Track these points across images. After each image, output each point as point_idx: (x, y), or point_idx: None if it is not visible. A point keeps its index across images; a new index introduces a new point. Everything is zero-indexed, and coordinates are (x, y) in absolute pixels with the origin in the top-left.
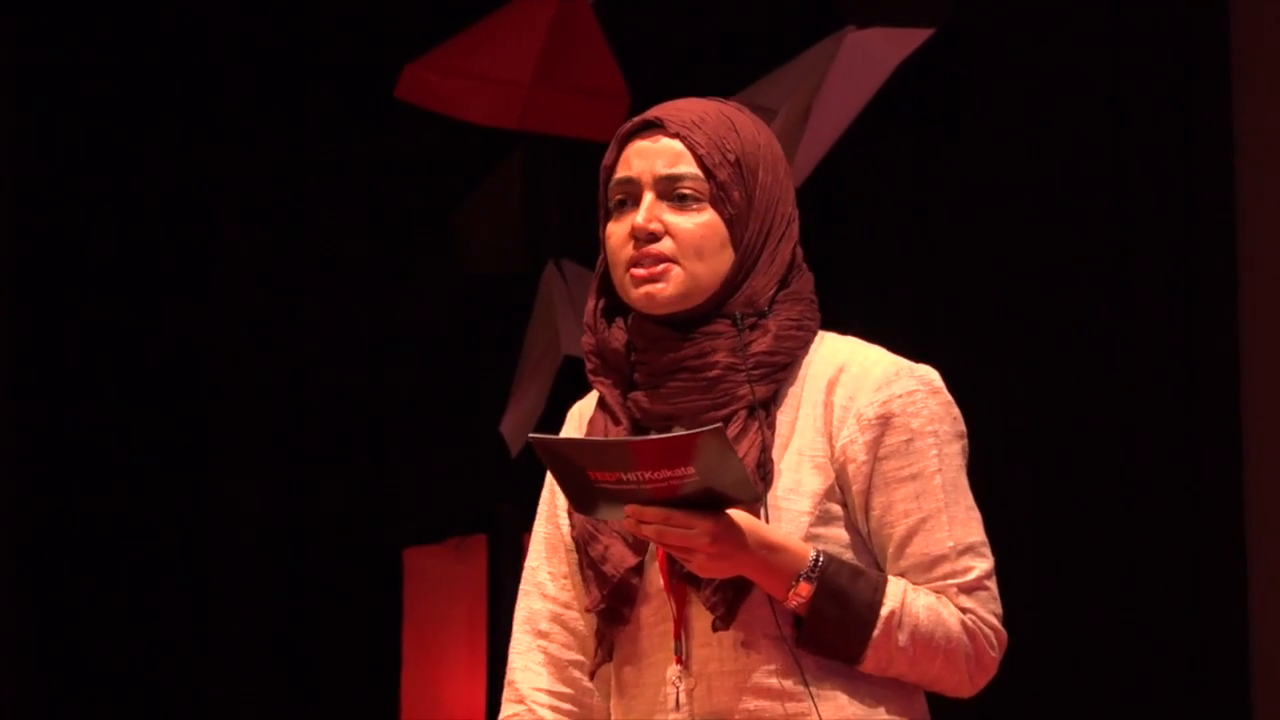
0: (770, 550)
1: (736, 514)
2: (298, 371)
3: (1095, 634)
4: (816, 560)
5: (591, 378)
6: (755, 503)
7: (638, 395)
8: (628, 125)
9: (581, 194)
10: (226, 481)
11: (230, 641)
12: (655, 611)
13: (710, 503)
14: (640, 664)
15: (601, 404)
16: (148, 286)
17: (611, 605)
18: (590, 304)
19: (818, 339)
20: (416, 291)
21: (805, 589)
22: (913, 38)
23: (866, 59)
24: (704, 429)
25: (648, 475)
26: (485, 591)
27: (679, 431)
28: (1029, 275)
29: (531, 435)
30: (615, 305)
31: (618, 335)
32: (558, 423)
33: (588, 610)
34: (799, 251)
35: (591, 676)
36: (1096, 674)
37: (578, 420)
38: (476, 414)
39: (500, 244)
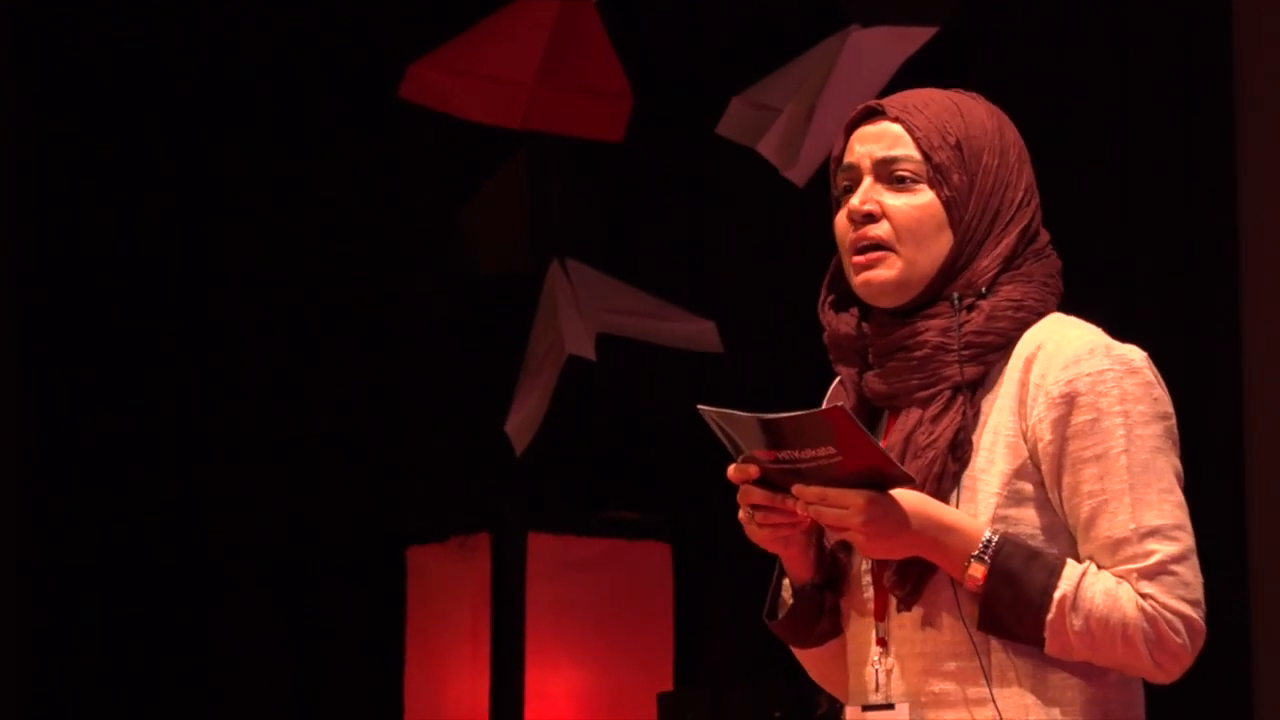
0: (942, 530)
1: (906, 494)
2: (302, 371)
3: None
4: (989, 541)
5: (834, 365)
6: (909, 482)
7: (869, 376)
8: (853, 113)
9: (585, 194)
10: (231, 481)
11: (234, 640)
12: (863, 591)
13: (874, 482)
14: (853, 644)
15: (842, 384)
16: (152, 286)
17: (828, 577)
18: (820, 297)
19: (1040, 320)
20: (421, 291)
21: (978, 570)
22: (916, 36)
23: (870, 57)
24: (821, 409)
25: (796, 454)
26: (488, 590)
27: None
28: None
29: (700, 407)
30: (848, 298)
31: (847, 321)
32: (560, 422)
33: (810, 580)
34: (1043, 236)
35: (813, 645)
36: None
37: (828, 400)
38: (481, 413)
39: (504, 244)
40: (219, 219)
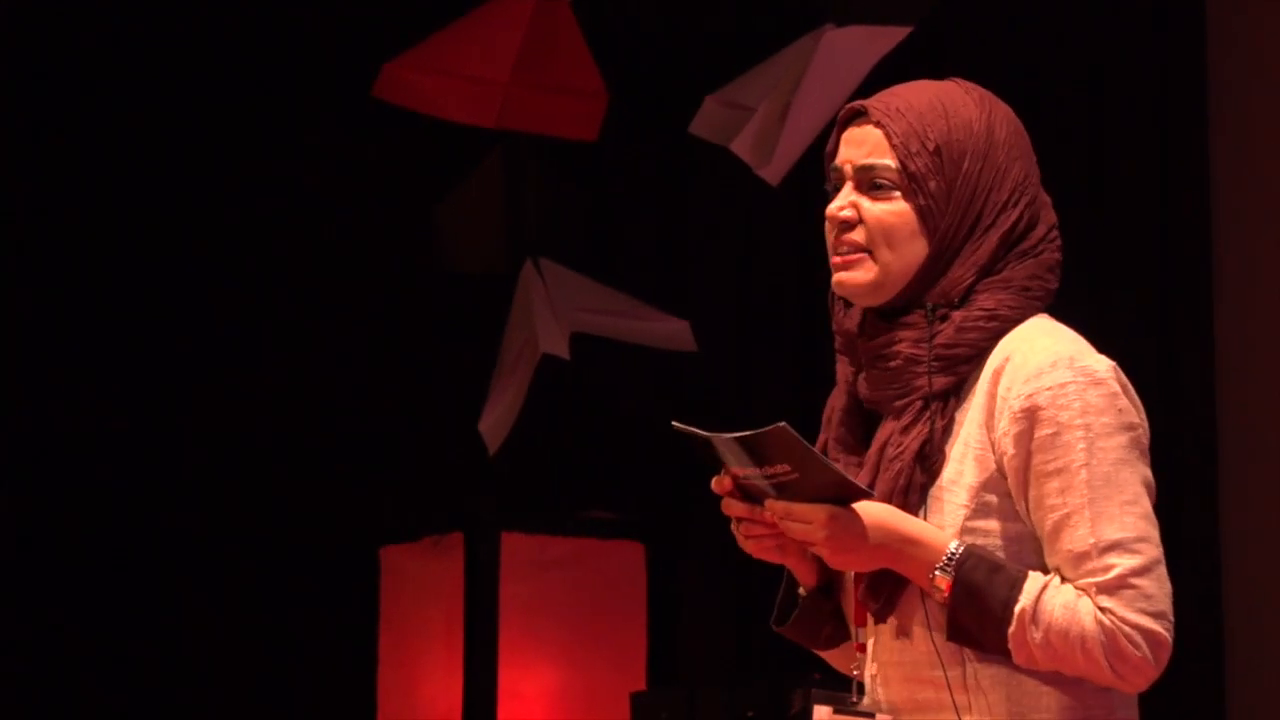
0: (906, 543)
1: (870, 507)
2: (276, 370)
3: None
4: (953, 554)
5: (837, 354)
6: (868, 494)
7: (860, 378)
8: (843, 111)
9: (560, 193)
10: (205, 480)
11: (208, 640)
12: (853, 597)
13: (838, 496)
14: (850, 641)
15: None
16: (126, 283)
17: (826, 583)
18: (832, 284)
19: (1018, 327)
20: (395, 290)
21: (943, 583)
22: (890, 36)
23: (844, 57)
24: (766, 428)
25: (762, 471)
26: (462, 590)
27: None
28: None
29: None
30: None
31: (852, 318)
32: (534, 422)
33: (814, 586)
34: (1036, 234)
35: (824, 648)
36: None
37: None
38: (455, 412)
39: (479, 243)
40: (195, 216)
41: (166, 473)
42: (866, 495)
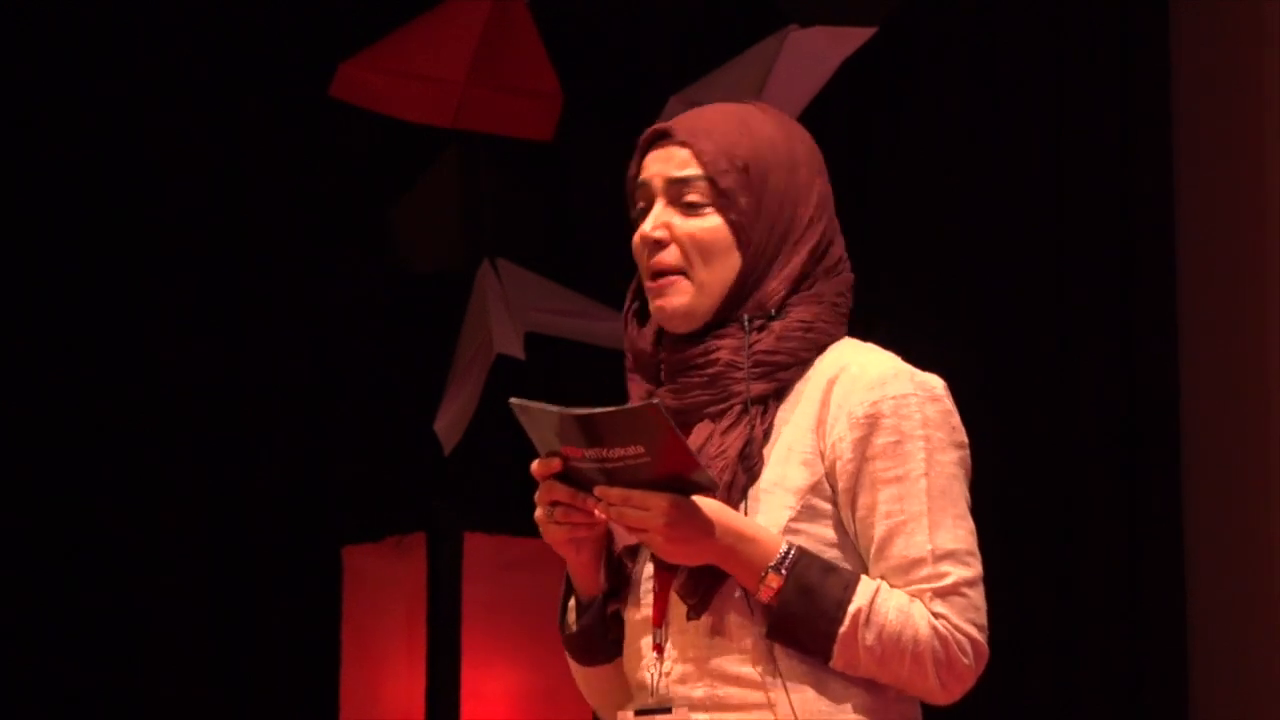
0: (740, 540)
1: (707, 501)
2: (234, 369)
3: (1037, 634)
4: (787, 553)
5: (628, 373)
6: (713, 488)
7: (661, 391)
8: (645, 134)
9: (517, 193)
10: (163, 480)
11: (167, 640)
12: (646, 595)
13: (677, 487)
14: (633, 646)
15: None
16: (78, 280)
17: (612, 585)
18: (625, 305)
19: (839, 343)
20: (351, 289)
21: (774, 581)
22: (855, 37)
23: (809, 58)
24: (638, 404)
25: (604, 453)
26: (424, 590)
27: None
28: (969, 275)
29: (512, 400)
30: (648, 310)
31: (647, 335)
32: (495, 421)
33: (598, 593)
34: (835, 253)
35: (604, 661)
36: (1037, 674)
37: None
38: (413, 412)
39: (435, 243)
40: (149, 215)
41: (126, 471)
42: (710, 488)
